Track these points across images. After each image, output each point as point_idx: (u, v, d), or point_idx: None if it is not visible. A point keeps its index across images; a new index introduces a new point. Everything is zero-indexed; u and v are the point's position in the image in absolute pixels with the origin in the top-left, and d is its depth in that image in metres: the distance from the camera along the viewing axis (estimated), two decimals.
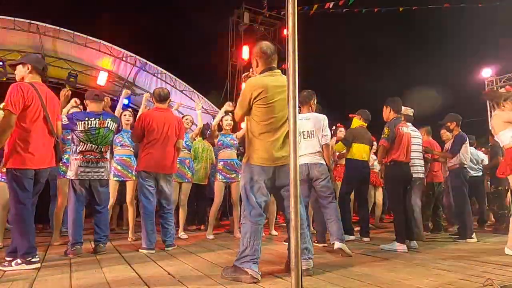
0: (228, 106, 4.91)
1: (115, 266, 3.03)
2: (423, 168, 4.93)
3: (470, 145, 6.59)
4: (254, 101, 2.64)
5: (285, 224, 3.40)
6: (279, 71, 2.80)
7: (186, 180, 5.04)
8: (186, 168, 5.05)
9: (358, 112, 5.18)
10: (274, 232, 5.29)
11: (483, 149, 6.72)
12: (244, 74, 3.01)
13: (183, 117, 5.38)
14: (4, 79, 9.46)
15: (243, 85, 3.01)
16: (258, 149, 2.64)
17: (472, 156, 6.45)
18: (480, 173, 6.42)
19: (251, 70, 2.96)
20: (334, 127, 6.16)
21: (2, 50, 9.70)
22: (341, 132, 5.94)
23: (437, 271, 2.80)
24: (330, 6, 9.51)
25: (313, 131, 3.91)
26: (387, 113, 4.28)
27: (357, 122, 5.14)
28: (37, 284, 2.45)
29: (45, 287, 2.39)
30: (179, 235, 4.89)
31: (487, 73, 12.83)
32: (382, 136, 4.13)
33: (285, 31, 12.19)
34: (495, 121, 3.80)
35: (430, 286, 2.35)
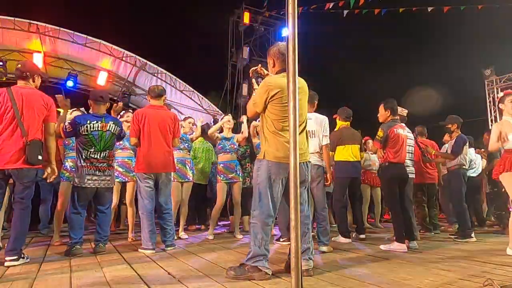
0: (227, 121, 5.16)
1: (115, 266, 3.03)
2: (414, 168, 4.96)
3: (469, 146, 6.65)
4: (270, 100, 2.65)
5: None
6: None
7: (187, 180, 5.05)
8: (187, 168, 5.06)
9: (337, 112, 5.10)
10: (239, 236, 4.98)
11: (476, 149, 6.77)
12: (252, 69, 2.96)
13: (185, 119, 5.38)
14: (4, 79, 9.47)
15: (253, 81, 2.93)
16: (275, 145, 2.63)
17: (470, 156, 6.50)
18: (476, 174, 6.46)
19: (259, 65, 2.96)
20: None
21: (2, 50, 9.70)
22: None
23: (437, 271, 2.80)
24: (330, 7, 9.51)
25: (314, 131, 3.95)
26: (385, 115, 4.27)
27: (339, 123, 5.08)
28: (37, 284, 2.45)
29: (45, 287, 2.39)
30: (180, 235, 4.89)
31: (487, 73, 12.83)
32: (376, 137, 4.19)
33: (285, 31, 12.18)
34: (503, 128, 3.70)
35: (430, 286, 2.35)
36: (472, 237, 4.61)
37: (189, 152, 5.28)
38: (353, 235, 4.83)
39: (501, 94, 3.88)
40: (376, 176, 6.22)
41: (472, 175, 6.37)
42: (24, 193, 3.13)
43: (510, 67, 12.15)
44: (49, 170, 3.27)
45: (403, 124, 4.47)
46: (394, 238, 3.97)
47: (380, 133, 4.14)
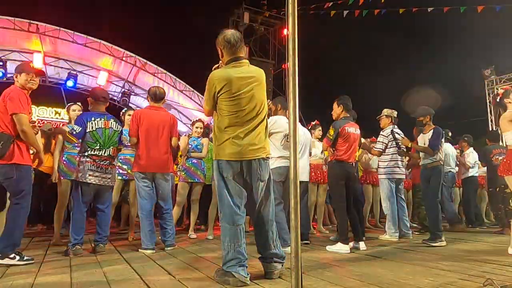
0: None
1: (115, 266, 3.03)
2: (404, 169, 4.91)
3: (469, 146, 6.68)
4: (219, 94, 2.53)
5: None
6: (246, 61, 2.67)
7: (197, 180, 5.04)
8: (199, 169, 5.07)
9: None
10: (210, 237, 4.92)
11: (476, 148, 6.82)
12: (215, 66, 2.81)
13: (194, 123, 5.33)
14: (4, 79, 9.48)
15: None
16: (224, 143, 2.53)
17: (472, 155, 6.51)
18: (475, 174, 6.51)
19: (220, 62, 2.79)
20: (312, 123, 5.90)
21: (2, 50, 9.71)
22: (320, 130, 5.81)
23: (437, 271, 2.80)
24: (329, 6, 9.53)
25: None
26: (338, 112, 4.18)
27: None
28: (37, 284, 2.45)
29: (45, 287, 2.39)
30: (189, 235, 4.94)
31: (487, 73, 12.84)
32: (327, 135, 4.12)
33: (285, 31, 12.18)
34: (502, 121, 3.72)
35: (430, 286, 2.35)
36: (443, 241, 4.16)
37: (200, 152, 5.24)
38: (351, 244, 4.17)
39: (501, 91, 3.86)
40: (377, 175, 6.20)
41: (475, 174, 6.49)
42: (11, 192, 3.08)
43: (510, 67, 12.16)
44: (36, 161, 3.24)
45: (355, 123, 4.33)
46: (339, 238, 3.90)
47: (331, 131, 4.06)
